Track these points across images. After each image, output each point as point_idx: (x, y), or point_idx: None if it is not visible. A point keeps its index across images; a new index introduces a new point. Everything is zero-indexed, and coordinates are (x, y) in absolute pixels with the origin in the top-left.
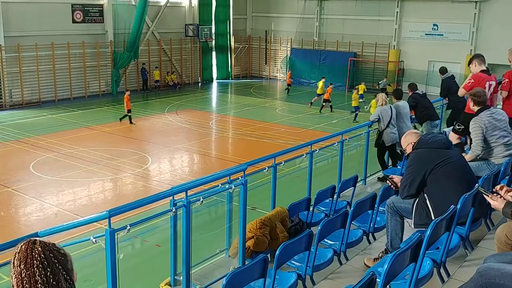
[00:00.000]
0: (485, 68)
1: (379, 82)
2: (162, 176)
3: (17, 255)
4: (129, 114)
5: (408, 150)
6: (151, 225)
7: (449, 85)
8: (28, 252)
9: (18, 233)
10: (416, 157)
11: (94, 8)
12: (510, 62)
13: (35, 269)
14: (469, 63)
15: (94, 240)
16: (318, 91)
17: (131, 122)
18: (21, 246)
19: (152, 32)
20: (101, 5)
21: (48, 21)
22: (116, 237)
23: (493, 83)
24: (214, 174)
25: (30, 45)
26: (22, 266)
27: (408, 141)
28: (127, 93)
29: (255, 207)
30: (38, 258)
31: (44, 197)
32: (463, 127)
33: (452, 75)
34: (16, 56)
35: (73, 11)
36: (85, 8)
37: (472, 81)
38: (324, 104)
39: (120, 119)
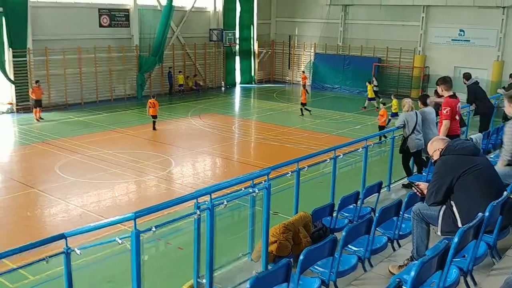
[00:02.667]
0: (452, 93)
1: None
2: (185, 179)
3: None
4: (155, 119)
5: (435, 156)
6: (173, 227)
7: (475, 91)
8: None
9: (44, 234)
10: (443, 164)
11: (120, 13)
12: None
13: None
14: (437, 85)
15: (120, 241)
16: (369, 95)
17: (154, 128)
18: None
19: (177, 36)
20: (127, 10)
21: (75, 26)
22: (141, 238)
23: (459, 104)
24: (238, 177)
25: (57, 49)
26: None
27: (435, 148)
28: (154, 98)
29: (277, 212)
30: None
31: (69, 198)
32: None
33: (477, 81)
34: (43, 59)
35: (100, 16)
36: (112, 13)
37: (448, 108)
38: (302, 107)
39: (154, 128)
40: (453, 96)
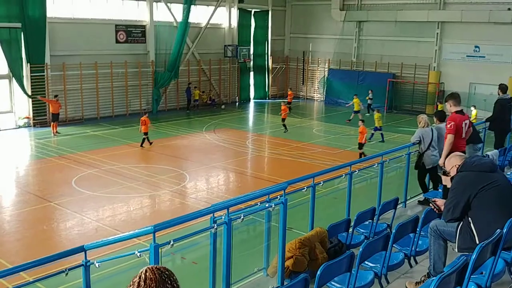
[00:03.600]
0: (459, 109)
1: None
2: (199, 194)
3: (143, 283)
4: (145, 136)
5: (452, 173)
6: (187, 242)
7: (501, 105)
8: (158, 278)
9: (59, 247)
10: (460, 180)
11: (137, 29)
12: None
13: None
14: (445, 101)
15: (138, 254)
16: (355, 108)
17: (150, 143)
18: (146, 274)
19: (192, 52)
20: (144, 26)
21: (92, 41)
22: (160, 252)
23: (467, 121)
24: (255, 192)
25: (74, 64)
26: None
27: (452, 164)
28: (146, 116)
29: (291, 227)
30: (169, 282)
31: (85, 212)
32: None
33: (511, 97)
34: (61, 74)
35: (116, 32)
36: (128, 29)
37: (453, 123)
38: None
39: (142, 145)
40: (460, 112)
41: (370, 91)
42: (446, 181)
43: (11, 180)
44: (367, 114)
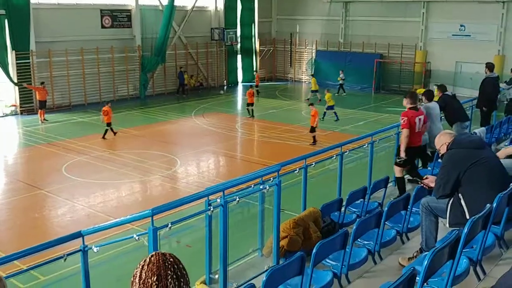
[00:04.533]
0: (414, 105)
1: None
2: (190, 178)
3: (146, 267)
4: (108, 127)
5: (442, 150)
6: (180, 226)
7: (487, 85)
8: (161, 263)
9: (52, 234)
10: (450, 158)
11: (122, 14)
12: None
13: (170, 280)
14: (404, 97)
15: (137, 237)
16: (313, 88)
17: (114, 133)
18: (151, 258)
19: (179, 36)
20: (129, 11)
21: (77, 27)
22: (158, 235)
23: (421, 117)
24: (249, 174)
25: (60, 51)
26: (154, 278)
27: (442, 142)
28: (108, 105)
29: (283, 209)
30: (172, 269)
31: (76, 198)
32: (403, 159)
33: (498, 76)
34: (47, 61)
35: (102, 17)
36: (114, 14)
37: (405, 118)
38: (248, 108)
39: (104, 136)
40: (414, 108)
41: (341, 71)
42: (397, 171)
43: (0, 169)
44: (336, 94)
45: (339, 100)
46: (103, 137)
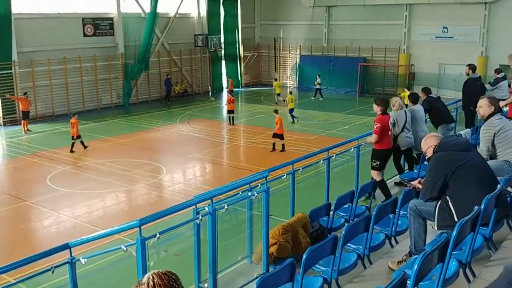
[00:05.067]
0: (384, 111)
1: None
2: (176, 186)
3: None
4: (76, 139)
5: (429, 153)
6: (167, 235)
7: (470, 86)
8: (166, 283)
9: (38, 246)
10: (437, 160)
11: (104, 22)
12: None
13: None
14: (375, 102)
15: (125, 248)
16: (277, 91)
17: (84, 146)
18: (154, 281)
19: (162, 43)
20: (111, 19)
21: (59, 36)
22: (146, 245)
23: (391, 120)
24: (237, 181)
25: (42, 60)
26: None
27: (428, 144)
28: (75, 117)
29: (271, 215)
30: (176, 285)
31: (62, 209)
32: (378, 162)
33: (480, 76)
34: (29, 71)
35: (84, 25)
36: (96, 22)
37: (379, 124)
38: (230, 115)
39: (71, 150)
40: (385, 113)
41: (318, 76)
42: (375, 175)
43: None
44: (313, 98)
45: (318, 104)
46: (71, 151)
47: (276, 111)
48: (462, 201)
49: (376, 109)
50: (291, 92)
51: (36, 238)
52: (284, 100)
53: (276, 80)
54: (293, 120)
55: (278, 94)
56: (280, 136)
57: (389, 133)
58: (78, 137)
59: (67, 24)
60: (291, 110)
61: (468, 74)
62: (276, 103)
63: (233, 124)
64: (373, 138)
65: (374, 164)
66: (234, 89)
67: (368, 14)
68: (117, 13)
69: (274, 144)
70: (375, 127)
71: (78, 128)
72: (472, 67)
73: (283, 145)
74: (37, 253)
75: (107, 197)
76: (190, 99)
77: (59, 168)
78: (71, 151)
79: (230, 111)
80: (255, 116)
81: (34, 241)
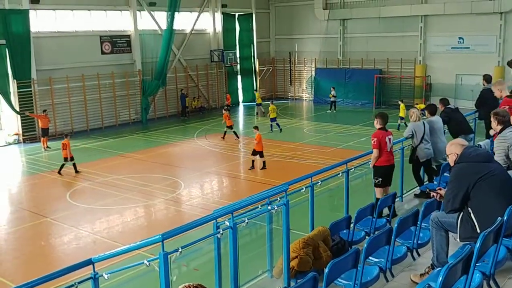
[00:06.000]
0: (382, 126)
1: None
2: (194, 201)
3: None
4: (70, 161)
5: (451, 160)
6: (186, 250)
7: (485, 96)
8: None
9: (59, 262)
10: (458, 172)
11: (121, 39)
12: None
13: None
14: (375, 117)
15: (148, 263)
16: (257, 102)
17: (76, 171)
18: None
19: (179, 59)
20: (129, 36)
21: (78, 54)
22: (169, 259)
23: (391, 136)
24: (257, 195)
25: (61, 78)
26: None
27: (452, 151)
28: (67, 138)
29: (291, 229)
30: None
31: (82, 225)
32: (380, 178)
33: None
34: (48, 89)
35: (101, 43)
36: (113, 39)
37: (376, 139)
38: (226, 130)
39: (59, 171)
40: (383, 128)
41: (332, 88)
42: (377, 192)
43: (4, 198)
44: (329, 111)
45: (333, 116)
46: (59, 172)
47: (256, 128)
48: (484, 213)
49: (376, 124)
50: (272, 102)
51: (57, 254)
52: (263, 112)
53: (256, 90)
54: (279, 128)
55: (259, 105)
56: (260, 153)
57: (387, 148)
58: (72, 158)
59: (85, 42)
60: (273, 119)
61: (484, 85)
62: (257, 113)
63: (238, 137)
64: (374, 153)
65: (376, 181)
66: (249, 103)
67: (383, 26)
68: (134, 30)
69: (253, 161)
70: (372, 142)
71: (70, 150)
72: (486, 78)
73: (263, 162)
74: (61, 269)
75: (127, 213)
76: (206, 114)
77: (79, 185)
78: (59, 172)
79: (229, 127)
80: (272, 130)
81: (55, 257)
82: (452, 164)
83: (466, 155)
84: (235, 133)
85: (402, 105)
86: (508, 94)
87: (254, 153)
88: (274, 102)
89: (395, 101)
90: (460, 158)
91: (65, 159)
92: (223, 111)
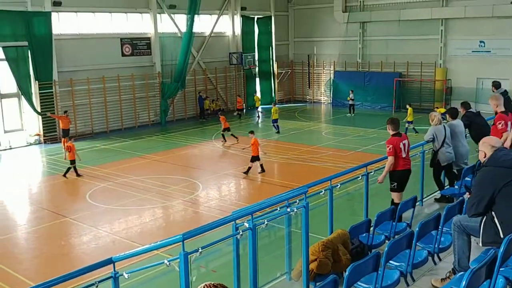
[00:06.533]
0: (397, 132)
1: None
2: (212, 202)
3: None
4: (73, 165)
5: (480, 156)
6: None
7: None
8: None
9: (78, 261)
10: (485, 176)
11: (142, 42)
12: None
13: None
14: (387, 123)
15: (168, 263)
16: (257, 105)
17: (77, 174)
18: None
19: (198, 61)
20: (149, 38)
21: (98, 56)
22: (189, 259)
23: (406, 141)
24: (276, 197)
25: (82, 79)
26: None
27: (483, 150)
28: (71, 141)
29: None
30: None
31: (101, 225)
32: (396, 183)
33: (506, 90)
34: (69, 90)
35: (122, 45)
36: (134, 42)
37: (391, 145)
38: (223, 133)
39: (65, 174)
40: (397, 134)
41: (351, 91)
42: (395, 197)
43: (25, 198)
44: (348, 115)
45: (352, 120)
46: (64, 175)
47: (252, 132)
48: (509, 218)
49: (388, 130)
50: (275, 104)
51: (76, 253)
52: (258, 116)
53: (255, 94)
54: (278, 130)
55: (257, 108)
56: (256, 158)
57: (403, 154)
58: (73, 162)
59: (106, 44)
60: (274, 121)
61: (493, 91)
62: (258, 116)
63: (225, 141)
64: (389, 160)
65: (392, 186)
66: (266, 106)
67: (403, 29)
68: (154, 33)
69: (249, 168)
70: (387, 149)
71: (74, 153)
72: (495, 85)
73: (261, 165)
74: (81, 268)
75: (145, 213)
76: (225, 116)
77: (98, 185)
78: (64, 175)
79: (225, 129)
80: (289, 133)
81: (74, 256)
82: (481, 160)
83: (496, 159)
84: (223, 135)
85: (410, 109)
86: (503, 110)
87: (253, 159)
88: (277, 104)
89: (415, 105)
90: (489, 161)
91: (72, 162)
92: (219, 115)
